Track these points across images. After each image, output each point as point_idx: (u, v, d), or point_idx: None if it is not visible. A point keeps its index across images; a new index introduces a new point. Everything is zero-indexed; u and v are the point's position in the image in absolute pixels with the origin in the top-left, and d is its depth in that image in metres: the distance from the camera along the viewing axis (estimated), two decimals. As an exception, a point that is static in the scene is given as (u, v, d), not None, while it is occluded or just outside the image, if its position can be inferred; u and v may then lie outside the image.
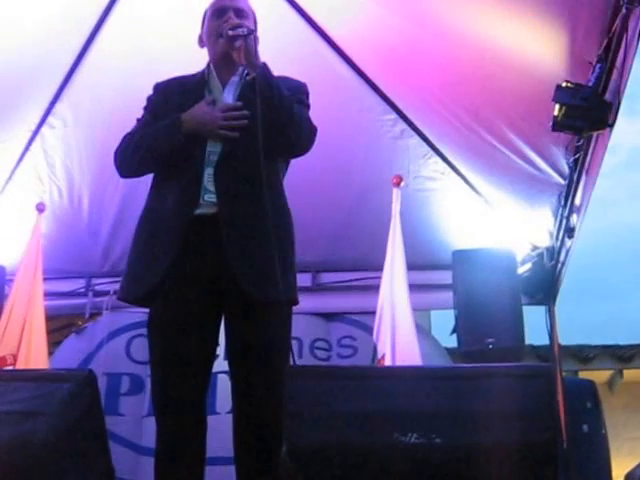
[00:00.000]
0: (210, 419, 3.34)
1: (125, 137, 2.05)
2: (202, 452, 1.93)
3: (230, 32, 1.94)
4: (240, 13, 2.04)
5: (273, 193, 1.96)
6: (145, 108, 2.10)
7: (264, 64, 1.94)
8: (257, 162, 1.87)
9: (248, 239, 1.90)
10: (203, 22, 2.12)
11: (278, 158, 2.05)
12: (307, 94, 2.11)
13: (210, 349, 1.97)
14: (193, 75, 2.11)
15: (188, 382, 1.90)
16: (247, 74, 1.99)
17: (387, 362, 3.04)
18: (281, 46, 3.15)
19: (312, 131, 2.05)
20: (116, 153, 2.05)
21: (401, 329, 3.12)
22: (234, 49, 1.96)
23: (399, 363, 2.99)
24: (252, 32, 1.94)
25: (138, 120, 2.09)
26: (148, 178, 2.09)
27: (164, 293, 1.91)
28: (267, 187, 1.91)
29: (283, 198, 2.04)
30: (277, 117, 1.92)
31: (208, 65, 2.09)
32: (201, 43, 2.12)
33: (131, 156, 2.01)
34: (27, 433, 1.58)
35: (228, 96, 2.04)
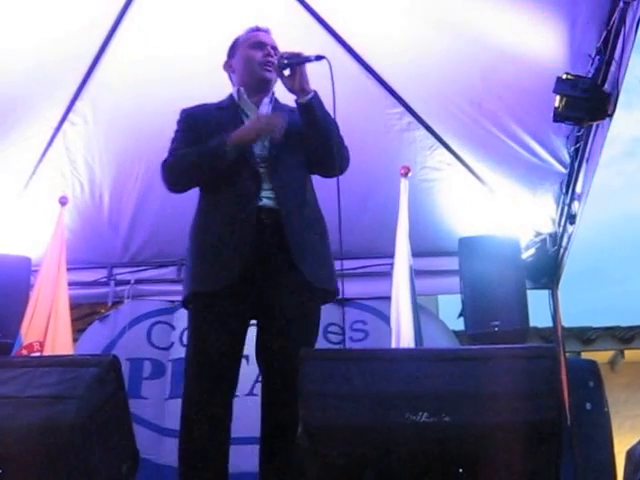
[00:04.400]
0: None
1: (171, 155, 2.15)
2: (227, 436, 2.01)
3: (285, 61, 2.09)
4: (275, 50, 2.20)
5: (312, 195, 2.18)
6: (180, 130, 2.20)
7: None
8: (300, 168, 2.11)
9: (305, 230, 2.07)
10: (234, 51, 2.25)
11: (313, 173, 2.22)
12: None
13: (243, 344, 2.08)
14: (219, 102, 2.24)
15: (223, 380, 1.98)
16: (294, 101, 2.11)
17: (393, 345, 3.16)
18: (289, 41, 3.22)
19: (348, 156, 2.21)
20: (164, 169, 2.14)
21: (402, 316, 3.21)
22: (284, 77, 2.10)
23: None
24: (309, 59, 2.06)
25: (175, 139, 2.19)
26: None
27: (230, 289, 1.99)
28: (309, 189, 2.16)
29: (316, 199, 2.22)
30: (326, 138, 2.07)
31: (238, 90, 2.22)
32: (230, 69, 2.26)
33: (179, 175, 2.13)
34: (56, 416, 1.60)
35: (263, 113, 2.19)
